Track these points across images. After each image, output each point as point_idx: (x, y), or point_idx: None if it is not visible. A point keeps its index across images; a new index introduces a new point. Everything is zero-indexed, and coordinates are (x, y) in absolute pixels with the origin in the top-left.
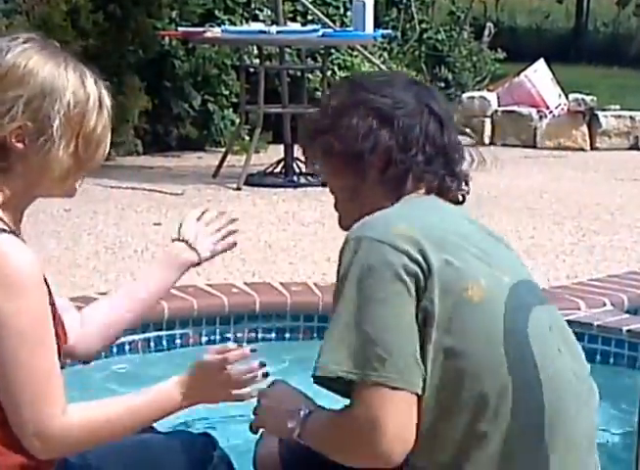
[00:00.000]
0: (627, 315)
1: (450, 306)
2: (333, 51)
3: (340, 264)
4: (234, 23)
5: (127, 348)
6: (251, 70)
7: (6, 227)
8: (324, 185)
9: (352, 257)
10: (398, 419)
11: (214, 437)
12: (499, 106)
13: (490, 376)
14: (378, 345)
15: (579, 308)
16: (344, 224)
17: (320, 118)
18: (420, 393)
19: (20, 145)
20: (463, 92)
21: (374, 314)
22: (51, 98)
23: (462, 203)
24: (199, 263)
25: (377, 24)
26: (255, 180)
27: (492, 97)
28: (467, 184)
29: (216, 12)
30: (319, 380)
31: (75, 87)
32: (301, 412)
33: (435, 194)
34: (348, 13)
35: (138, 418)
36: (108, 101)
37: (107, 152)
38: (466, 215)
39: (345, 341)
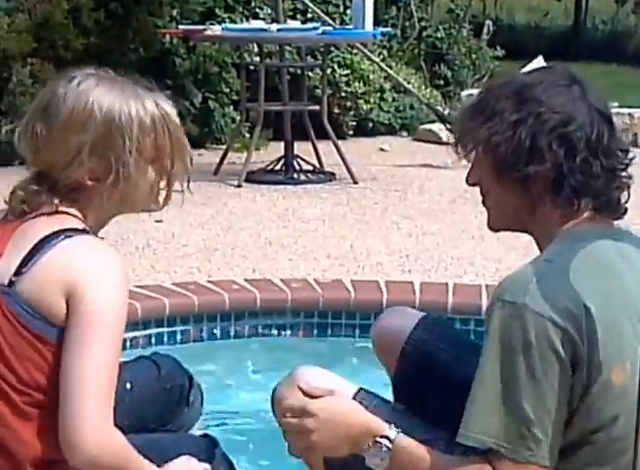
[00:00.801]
0: None
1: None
2: (333, 49)
3: (490, 324)
4: (234, 22)
5: (129, 344)
6: (252, 67)
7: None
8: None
9: (507, 324)
10: None
11: (215, 436)
12: None
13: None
14: (535, 425)
15: None
16: (495, 226)
17: (492, 132)
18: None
19: (92, 183)
20: (462, 90)
21: (531, 392)
22: (117, 135)
23: (624, 215)
24: None
25: (376, 22)
26: (256, 177)
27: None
28: (628, 189)
29: (217, 10)
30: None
31: (139, 117)
32: (384, 444)
33: (605, 211)
34: (348, 11)
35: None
36: (174, 114)
37: (190, 159)
38: None
39: (498, 411)
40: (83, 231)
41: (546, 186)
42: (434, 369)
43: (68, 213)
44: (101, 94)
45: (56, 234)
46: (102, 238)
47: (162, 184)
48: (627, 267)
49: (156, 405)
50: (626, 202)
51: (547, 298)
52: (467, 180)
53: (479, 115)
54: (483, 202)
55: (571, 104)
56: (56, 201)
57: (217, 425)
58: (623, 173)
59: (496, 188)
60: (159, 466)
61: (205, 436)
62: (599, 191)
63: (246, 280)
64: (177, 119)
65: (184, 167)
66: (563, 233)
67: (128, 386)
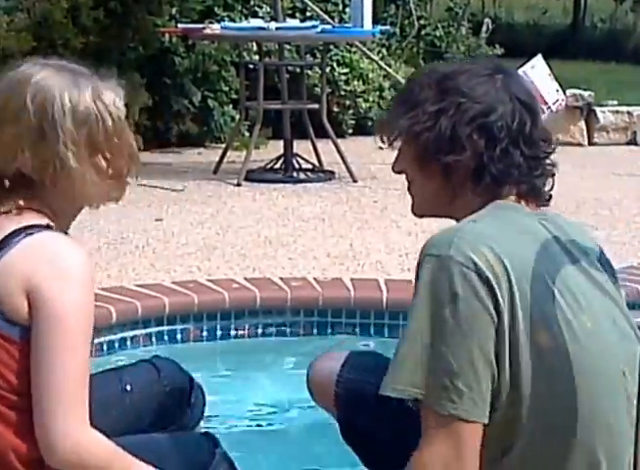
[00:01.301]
0: None
1: (519, 347)
2: (332, 47)
3: (418, 279)
4: (233, 20)
5: (129, 343)
6: (251, 66)
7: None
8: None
9: (435, 277)
10: (472, 451)
11: (216, 436)
12: None
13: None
14: (459, 377)
15: None
16: (418, 212)
17: (413, 122)
18: (486, 422)
19: (35, 175)
20: None
21: (457, 344)
22: (49, 128)
23: (549, 202)
24: None
25: (375, 21)
26: (255, 176)
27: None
28: (552, 177)
29: (216, 9)
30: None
31: (73, 108)
32: None
33: (529, 197)
34: (347, 9)
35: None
36: (115, 105)
37: (134, 151)
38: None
39: (424, 364)
40: (46, 227)
41: (467, 175)
42: (368, 404)
43: (31, 209)
44: (36, 84)
45: (17, 232)
46: (66, 233)
47: (110, 177)
48: (549, 239)
49: (156, 407)
50: (550, 189)
51: (471, 250)
52: (393, 168)
53: (402, 104)
54: (409, 189)
55: (492, 94)
56: (15, 197)
57: (218, 424)
58: (547, 161)
59: (419, 176)
60: (155, 466)
61: (206, 435)
62: (520, 179)
63: (245, 279)
64: (120, 111)
65: (128, 160)
66: (490, 205)
67: (128, 388)
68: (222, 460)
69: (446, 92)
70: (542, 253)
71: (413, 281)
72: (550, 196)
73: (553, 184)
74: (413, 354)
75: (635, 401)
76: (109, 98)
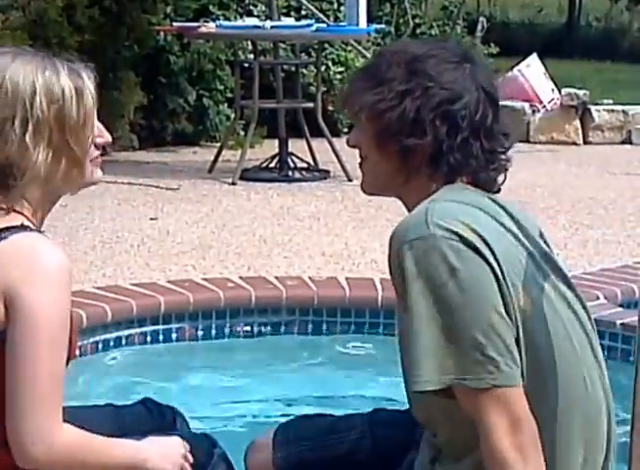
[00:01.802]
0: (621, 309)
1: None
2: (327, 46)
3: (405, 270)
4: (228, 19)
5: (124, 341)
6: (246, 65)
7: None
8: (320, 175)
9: (426, 260)
10: (526, 411)
11: (214, 436)
12: None
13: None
14: (488, 347)
15: None
16: (368, 190)
17: (378, 99)
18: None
19: (7, 161)
20: None
21: (472, 314)
22: (20, 110)
23: (498, 192)
24: None
25: (370, 19)
26: (250, 175)
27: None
28: (506, 172)
29: (211, 7)
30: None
31: (46, 87)
32: None
33: (479, 187)
34: (342, 8)
35: (109, 456)
36: (90, 84)
37: (92, 133)
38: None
39: (446, 348)
40: (21, 227)
41: (424, 160)
42: (314, 468)
43: (2, 209)
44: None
45: None
46: (42, 232)
47: (69, 162)
48: (501, 213)
49: None
50: (502, 183)
51: (448, 223)
52: (347, 142)
53: (368, 79)
54: (360, 164)
55: (460, 81)
56: None
57: (214, 423)
58: (503, 156)
59: (374, 155)
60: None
61: (204, 435)
62: (475, 171)
63: (240, 278)
64: (93, 95)
65: (88, 140)
66: (442, 188)
67: None
68: (220, 461)
69: (414, 73)
70: (500, 225)
71: (395, 276)
72: (499, 189)
73: (505, 178)
74: (433, 344)
75: (601, 361)
76: (85, 76)
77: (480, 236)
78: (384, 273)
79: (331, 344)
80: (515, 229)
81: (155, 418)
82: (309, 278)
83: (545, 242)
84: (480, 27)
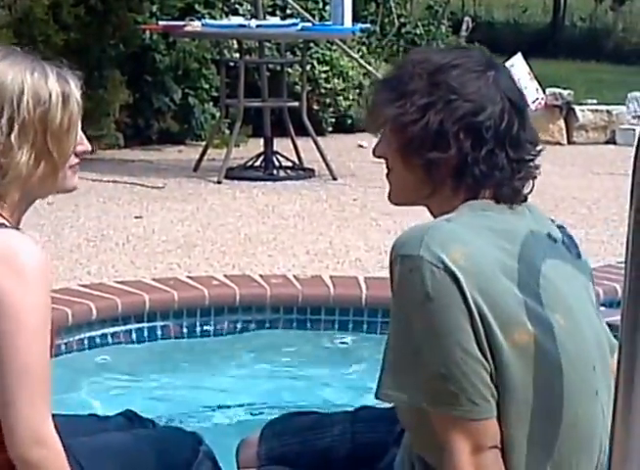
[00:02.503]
0: (603, 308)
1: (496, 343)
2: (312, 45)
3: (392, 281)
4: (214, 17)
5: (109, 339)
6: (231, 64)
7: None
8: (309, 177)
9: (407, 278)
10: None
11: (200, 433)
12: None
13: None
14: (449, 380)
15: None
16: (395, 200)
17: (401, 112)
18: (494, 415)
19: None
20: None
21: (438, 347)
22: (7, 109)
23: (524, 202)
24: None
25: (355, 19)
26: (236, 174)
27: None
28: (534, 179)
29: (196, 6)
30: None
31: (34, 89)
32: None
33: (506, 199)
34: (327, 7)
35: None
36: (76, 92)
37: (85, 143)
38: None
39: (410, 369)
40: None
41: (448, 173)
42: (299, 464)
43: None
44: None
45: None
46: (17, 229)
47: (47, 167)
48: (522, 234)
49: None
50: (529, 192)
51: (440, 248)
52: (373, 152)
53: (391, 91)
54: (387, 175)
55: (483, 91)
56: None
57: (198, 421)
58: (531, 164)
59: (399, 167)
60: (145, 461)
61: (190, 433)
62: (501, 182)
63: (225, 276)
64: (79, 101)
65: (70, 148)
66: (464, 205)
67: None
68: (206, 458)
69: (437, 86)
70: (515, 249)
71: (389, 281)
72: (526, 198)
73: (532, 186)
74: (397, 359)
75: (602, 394)
76: (72, 83)
77: (466, 269)
78: (368, 272)
79: (315, 342)
80: (533, 254)
81: (136, 428)
82: (294, 276)
83: (579, 258)
84: (464, 27)
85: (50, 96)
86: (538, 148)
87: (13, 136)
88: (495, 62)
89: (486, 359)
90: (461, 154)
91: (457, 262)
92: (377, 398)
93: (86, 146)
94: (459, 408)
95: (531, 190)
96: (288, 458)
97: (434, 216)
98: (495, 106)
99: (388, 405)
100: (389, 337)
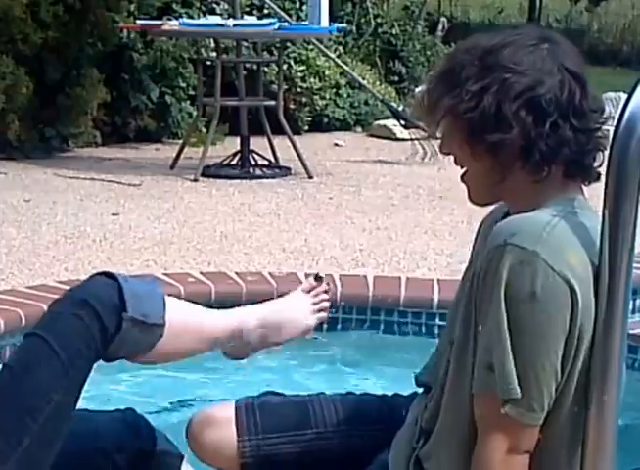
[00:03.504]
0: None
1: (578, 359)
2: (289, 44)
3: (498, 267)
4: (191, 17)
5: None
6: (209, 62)
7: None
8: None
9: (517, 271)
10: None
11: (168, 431)
12: None
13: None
14: (521, 380)
15: None
16: (475, 199)
17: (456, 102)
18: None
19: None
20: (416, 86)
21: (524, 347)
22: None
23: (598, 179)
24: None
25: (332, 19)
26: (212, 172)
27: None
28: (604, 151)
29: (174, 5)
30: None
31: None
32: None
33: (578, 176)
34: (304, 7)
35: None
36: None
37: None
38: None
39: (492, 362)
40: None
41: (515, 153)
42: (283, 463)
43: None
44: None
45: None
46: None
47: None
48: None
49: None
50: (600, 165)
51: (560, 251)
52: (440, 149)
53: (443, 84)
54: (463, 178)
55: (539, 64)
56: None
57: (170, 419)
58: (598, 134)
59: (468, 159)
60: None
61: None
62: (570, 156)
63: (201, 273)
64: None
65: None
66: (554, 199)
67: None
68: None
69: (489, 68)
70: (596, 256)
71: (483, 263)
72: (599, 173)
73: (603, 159)
74: (487, 350)
75: None
76: None
77: (581, 278)
78: (343, 269)
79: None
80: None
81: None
82: (269, 274)
83: None
84: (440, 27)
85: None
86: (605, 115)
87: None
88: (549, 34)
89: (562, 373)
90: (524, 131)
91: (574, 271)
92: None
93: None
94: (517, 410)
95: (602, 164)
96: (277, 458)
97: (513, 208)
98: (553, 78)
99: (373, 398)
100: (483, 324)
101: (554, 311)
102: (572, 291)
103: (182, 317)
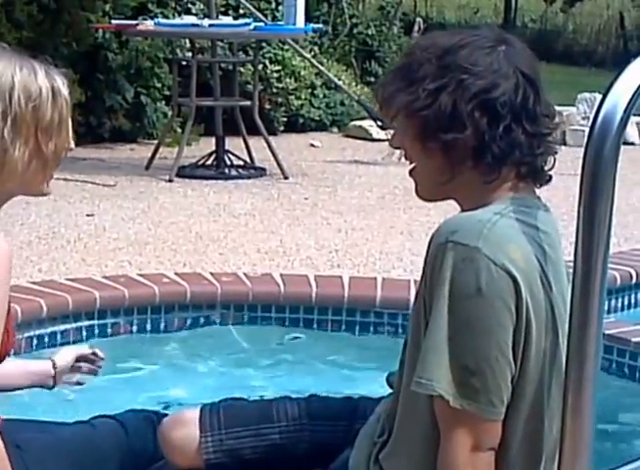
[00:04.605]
0: None
1: (530, 349)
2: (264, 45)
3: (442, 265)
4: (167, 17)
5: (59, 337)
6: (184, 63)
7: None
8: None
9: (460, 268)
10: (489, 445)
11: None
12: None
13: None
14: (476, 375)
15: None
16: (422, 195)
17: (412, 99)
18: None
19: None
20: None
21: (476, 342)
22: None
23: (549, 182)
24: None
25: (308, 19)
26: (187, 172)
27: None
28: (554, 154)
29: (149, 5)
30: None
31: (24, 84)
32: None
33: (529, 178)
34: (280, 7)
35: None
36: (64, 89)
37: (70, 141)
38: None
39: (445, 358)
40: None
41: (467, 153)
42: (248, 460)
43: None
44: None
45: None
46: None
47: (38, 164)
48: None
49: None
50: (550, 169)
51: (500, 246)
52: (390, 143)
53: (400, 80)
54: (411, 173)
55: (495, 67)
56: None
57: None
58: (549, 138)
59: (418, 155)
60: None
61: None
62: (521, 159)
63: (176, 274)
64: (67, 95)
65: (64, 146)
66: (501, 197)
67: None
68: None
69: (447, 68)
70: (550, 253)
71: (429, 264)
72: (550, 176)
73: (554, 163)
74: (434, 348)
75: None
76: (60, 81)
77: (524, 271)
78: (318, 270)
79: (265, 339)
80: (555, 264)
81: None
82: (244, 274)
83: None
84: (416, 28)
85: (40, 92)
86: (556, 121)
87: (6, 131)
88: (506, 36)
89: (515, 364)
90: (478, 133)
91: (516, 263)
92: (413, 388)
93: (70, 145)
94: (476, 405)
95: (552, 167)
96: (242, 453)
97: (462, 205)
98: (509, 81)
99: (338, 398)
100: (430, 323)
101: (500, 304)
102: (516, 282)
103: None
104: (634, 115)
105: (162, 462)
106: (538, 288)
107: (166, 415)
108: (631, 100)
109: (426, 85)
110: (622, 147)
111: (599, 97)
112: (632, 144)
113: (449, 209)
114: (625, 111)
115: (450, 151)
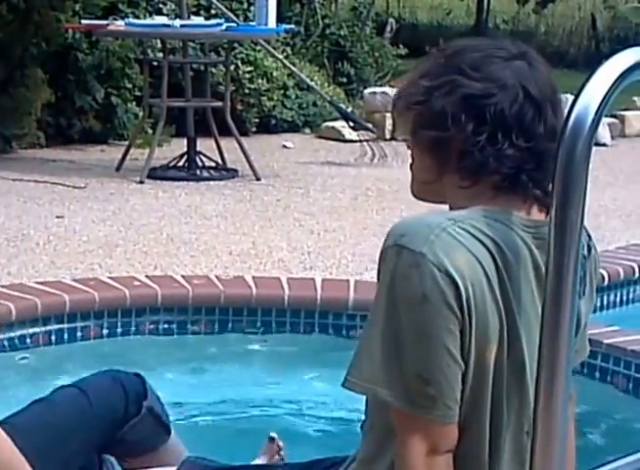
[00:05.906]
0: None
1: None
2: (236, 45)
3: (385, 267)
4: (138, 17)
5: (28, 340)
6: (155, 63)
7: None
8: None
9: (405, 273)
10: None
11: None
12: None
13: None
14: (430, 383)
15: None
16: (413, 193)
17: (413, 92)
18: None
19: None
20: (365, 87)
21: (424, 348)
22: None
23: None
24: None
25: (280, 19)
26: (158, 174)
27: (394, 93)
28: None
29: (120, 5)
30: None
31: None
32: None
33: (512, 193)
34: (252, 7)
35: None
36: None
37: None
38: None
39: (390, 365)
40: None
41: (452, 155)
42: None
43: None
44: None
45: None
46: None
47: None
48: (522, 255)
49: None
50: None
51: (445, 252)
52: (392, 133)
53: (414, 73)
54: (410, 166)
55: (496, 76)
56: None
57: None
58: (547, 158)
59: (413, 149)
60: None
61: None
62: (502, 171)
63: (147, 276)
64: None
65: None
66: (475, 206)
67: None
68: (147, 414)
69: (448, 68)
70: (506, 266)
71: (378, 266)
72: (535, 195)
73: (553, 187)
74: (377, 351)
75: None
76: None
77: (466, 276)
78: (290, 272)
79: (237, 342)
80: (524, 278)
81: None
82: (216, 277)
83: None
84: (389, 29)
85: None
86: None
87: None
88: (530, 56)
89: (465, 363)
90: (462, 136)
91: (459, 269)
92: (343, 385)
93: None
94: (434, 412)
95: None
96: None
97: (450, 207)
98: (506, 93)
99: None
100: (369, 324)
101: (446, 310)
102: (458, 288)
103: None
104: (606, 116)
105: (137, 419)
106: (484, 296)
107: (136, 374)
108: (603, 101)
109: (426, 81)
110: (594, 148)
111: (571, 98)
112: (604, 145)
113: (421, 210)
114: (597, 112)
115: (436, 149)
